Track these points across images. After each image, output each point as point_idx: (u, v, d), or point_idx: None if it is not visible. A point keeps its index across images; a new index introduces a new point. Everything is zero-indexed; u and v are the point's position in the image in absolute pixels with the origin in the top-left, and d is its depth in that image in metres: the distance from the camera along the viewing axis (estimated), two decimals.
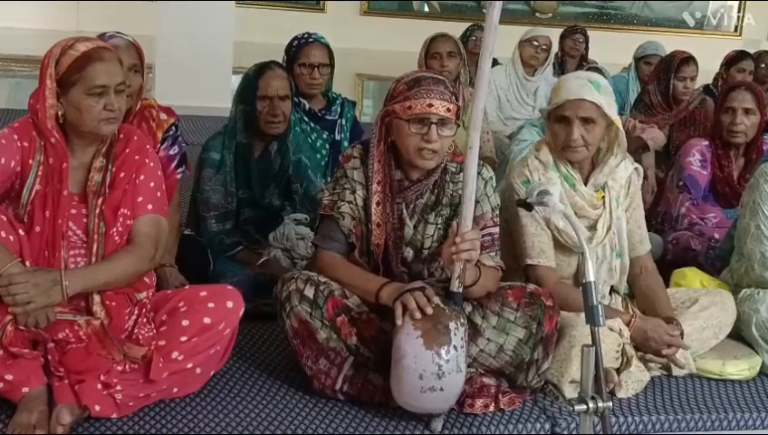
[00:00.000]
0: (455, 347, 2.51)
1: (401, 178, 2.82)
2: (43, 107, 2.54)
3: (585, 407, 2.19)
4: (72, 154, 2.59)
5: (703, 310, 3.15)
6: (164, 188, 2.75)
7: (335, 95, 4.30)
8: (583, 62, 6.47)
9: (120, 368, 2.55)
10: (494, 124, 5.28)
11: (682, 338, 3.02)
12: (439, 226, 2.84)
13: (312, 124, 4.17)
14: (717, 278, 3.53)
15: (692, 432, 2.89)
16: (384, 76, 8.55)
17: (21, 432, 2.41)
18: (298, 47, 4.15)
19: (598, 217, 3.09)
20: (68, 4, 10.32)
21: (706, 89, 5.70)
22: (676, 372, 3.09)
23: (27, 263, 2.51)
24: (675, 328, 3.01)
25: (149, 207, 2.66)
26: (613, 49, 8.48)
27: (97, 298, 2.56)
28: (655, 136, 4.92)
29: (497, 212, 2.89)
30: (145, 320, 2.64)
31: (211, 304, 2.64)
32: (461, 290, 2.62)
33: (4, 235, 2.49)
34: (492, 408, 2.76)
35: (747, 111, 4.01)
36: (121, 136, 2.68)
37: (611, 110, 2.98)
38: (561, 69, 6.47)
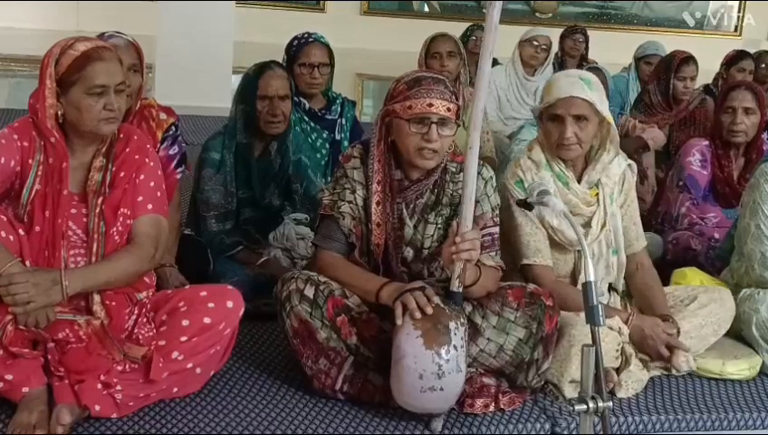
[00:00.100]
0: (455, 347, 2.51)
1: (401, 178, 2.82)
2: (43, 107, 2.54)
3: (585, 407, 2.19)
4: (72, 154, 2.59)
5: (702, 307, 3.15)
6: (164, 188, 2.75)
7: (335, 95, 4.30)
8: (583, 62, 6.46)
9: (119, 368, 2.55)
10: (494, 124, 5.28)
11: (678, 336, 3.02)
12: (439, 225, 2.84)
13: (312, 124, 4.17)
14: (717, 278, 3.53)
15: (692, 432, 2.89)
16: (384, 76, 8.55)
17: (21, 432, 2.41)
18: (298, 47, 4.15)
19: (592, 214, 3.09)
20: (68, 4, 10.32)
21: (706, 89, 5.70)
22: (675, 370, 3.09)
23: (27, 263, 2.51)
24: (671, 326, 3.01)
25: (149, 206, 2.66)
26: (613, 49, 8.48)
27: (97, 298, 2.56)
28: (655, 136, 4.92)
29: (497, 212, 2.89)
30: (145, 320, 2.64)
31: (211, 304, 2.64)
32: (461, 290, 2.62)
33: (4, 235, 2.49)
34: (492, 408, 2.76)
35: (747, 111, 4.00)
36: (121, 135, 2.68)
37: (603, 106, 2.99)
38: (561, 69, 6.45)
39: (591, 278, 2.26)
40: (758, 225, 3.28)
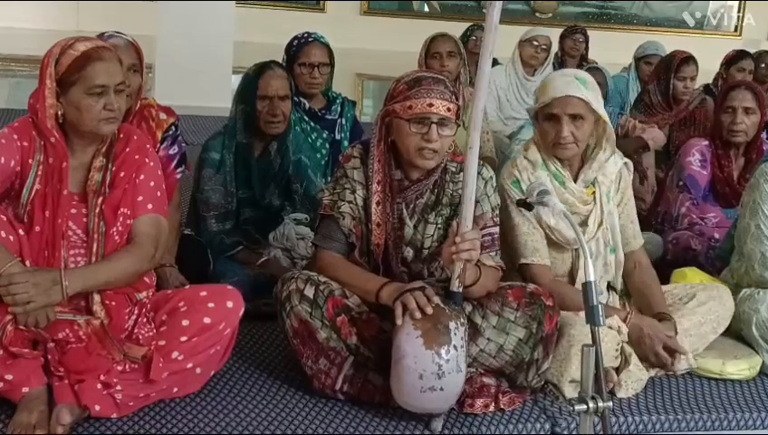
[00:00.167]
0: (455, 347, 2.51)
1: (401, 178, 2.82)
2: (43, 106, 2.54)
3: (585, 407, 2.19)
4: (72, 154, 2.59)
5: (700, 305, 3.15)
6: (164, 188, 2.75)
7: (335, 95, 4.31)
8: (583, 62, 6.46)
9: (120, 368, 2.55)
10: (494, 124, 5.28)
11: (676, 335, 3.01)
12: (439, 225, 2.84)
13: (312, 124, 4.17)
14: (717, 278, 3.53)
15: (692, 432, 2.89)
16: (384, 76, 8.55)
17: (21, 432, 2.41)
18: (298, 47, 4.15)
19: (588, 212, 3.10)
20: (68, 4, 10.32)
21: (706, 88, 5.70)
22: (677, 369, 3.08)
23: (27, 262, 2.51)
24: (670, 326, 3.01)
25: (149, 206, 2.66)
26: (613, 49, 8.48)
27: (97, 298, 2.56)
28: (655, 136, 4.92)
29: (497, 212, 2.89)
30: (145, 320, 2.64)
31: (211, 304, 2.64)
32: (461, 290, 2.62)
33: (3, 235, 2.49)
34: (492, 408, 2.76)
35: (747, 111, 4.01)
36: (121, 135, 2.68)
37: (598, 105, 3.00)
38: (561, 69, 6.47)
39: (592, 278, 2.26)
40: (758, 225, 3.28)
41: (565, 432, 2.76)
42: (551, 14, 12.24)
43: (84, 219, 2.59)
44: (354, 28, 10.85)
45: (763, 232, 3.27)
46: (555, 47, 6.23)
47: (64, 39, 2.60)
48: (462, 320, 2.58)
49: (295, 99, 3.87)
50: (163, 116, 3.35)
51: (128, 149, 2.66)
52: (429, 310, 2.54)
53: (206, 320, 2.61)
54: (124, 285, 2.61)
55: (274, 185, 3.70)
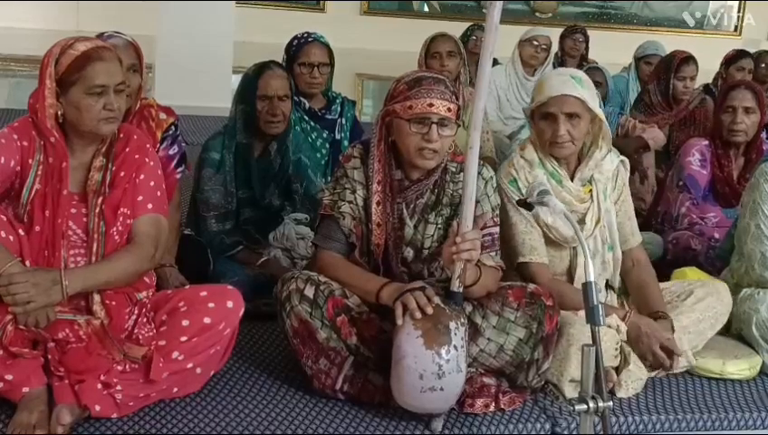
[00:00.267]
0: (455, 347, 2.51)
1: (401, 178, 2.82)
2: (43, 106, 2.54)
3: (585, 407, 2.19)
4: (72, 153, 2.59)
5: (698, 301, 3.15)
6: (164, 188, 2.75)
7: (335, 94, 4.31)
8: (583, 62, 6.46)
9: (119, 368, 2.55)
10: (494, 124, 5.28)
11: (673, 333, 3.01)
12: (439, 225, 2.84)
13: (312, 123, 4.17)
14: (717, 278, 3.53)
15: (692, 432, 2.89)
16: (384, 76, 8.55)
17: (21, 432, 2.41)
18: (298, 46, 4.15)
19: (586, 210, 3.10)
20: (68, 4, 10.32)
21: (706, 88, 5.70)
22: (676, 368, 3.08)
23: (27, 262, 2.51)
24: (667, 326, 3.00)
25: (149, 206, 2.66)
26: (613, 49, 8.48)
27: (97, 298, 2.56)
28: (655, 136, 4.92)
29: (497, 212, 2.89)
30: (145, 320, 2.64)
31: (211, 304, 2.64)
32: (461, 290, 2.62)
33: (3, 235, 2.49)
34: (492, 408, 2.76)
35: (747, 110, 4.01)
36: (121, 135, 2.67)
37: (594, 103, 3.01)
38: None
39: (592, 278, 2.26)
40: (758, 225, 3.28)
41: (565, 432, 2.76)
42: (551, 14, 12.24)
43: (84, 219, 2.59)
44: (354, 28, 10.85)
45: (763, 232, 3.27)
46: (555, 47, 6.23)
47: (64, 39, 2.60)
48: (462, 320, 2.58)
49: (295, 99, 3.87)
50: (163, 116, 3.35)
51: (128, 149, 2.66)
52: (430, 310, 2.54)
53: (206, 320, 2.61)
54: (124, 284, 2.61)
55: (274, 185, 3.70)
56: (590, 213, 3.10)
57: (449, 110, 2.69)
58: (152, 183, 2.68)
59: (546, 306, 2.76)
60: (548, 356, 2.81)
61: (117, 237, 2.60)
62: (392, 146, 2.80)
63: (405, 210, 2.83)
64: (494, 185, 2.92)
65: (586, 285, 2.27)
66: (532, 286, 2.84)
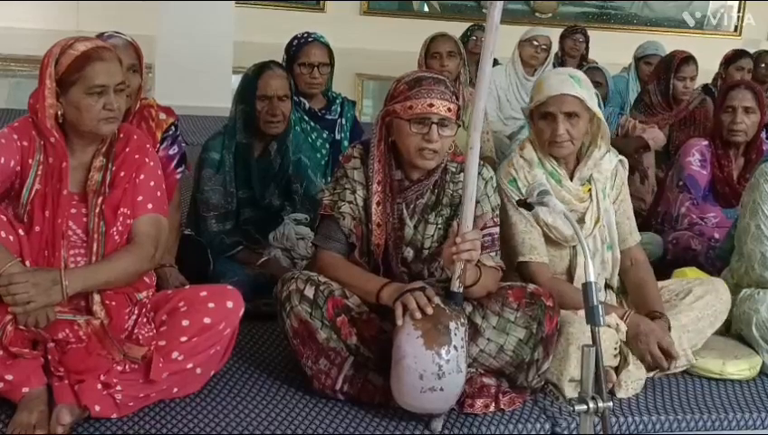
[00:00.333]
0: (455, 347, 2.51)
1: (402, 178, 2.82)
2: (43, 106, 2.54)
3: (585, 407, 2.19)
4: (72, 153, 2.59)
5: (697, 299, 3.15)
6: (164, 188, 2.75)
7: (335, 95, 4.31)
8: (583, 62, 6.46)
9: (120, 368, 2.55)
10: (494, 124, 5.28)
11: (669, 330, 3.01)
12: (439, 226, 2.84)
13: (312, 124, 4.17)
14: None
15: (692, 432, 2.89)
16: (384, 76, 8.55)
17: (21, 432, 2.41)
18: (298, 47, 4.15)
19: (585, 209, 3.10)
20: (68, 4, 10.32)
21: (705, 88, 5.70)
22: (674, 367, 3.08)
23: (27, 262, 2.51)
24: (663, 325, 3.00)
25: (149, 206, 2.66)
26: (613, 49, 8.48)
27: (97, 298, 2.56)
28: (655, 136, 4.92)
29: (497, 212, 2.89)
30: (145, 320, 2.64)
31: (211, 304, 2.64)
32: (461, 290, 2.62)
33: (3, 235, 2.49)
34: (492, 408, 2.76)
35: (747, 110, 4.01)
36: (121, 135, 2.67)
37: (593, 103, 3.01)
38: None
39: (592, 278, 2.26)
40: (758, 225, 3.28)
41: (565, 432, 2.76)
42: (551, 14, 12.25)
43: (84, 219, 2.59)
44: (354, 28, 10.85)
45: (763, 232, 3.27)
46: (555, 47, 6.23)
47: (64, 39, 2.60)
48: (462, 320, 2.58)
49: (295, 99, 3.87)
50: (163, 116, 3.35)
51: (128, 149, 2.66)
52: (430, 310, 2.54)
53: (206, 320, 2.61)
54: (124, 284, 2.61)
55: (274, 185, 3.70)
56: (590, 212, 3.11)
57: (449, 110, 2.69)
58: (152, 183, 2.68)
59: (546, 307, 2.76)
60: (548, 356, 2.81)
61: (117, 237, 2.60)
62: (392, 146, 2.80)
63: (405, 210, 2.82)
64: (494, 185, 2.92)
65: (586, 286, 2.27)
66: (532, 287, 2.84)
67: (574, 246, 3.10)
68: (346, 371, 2.73)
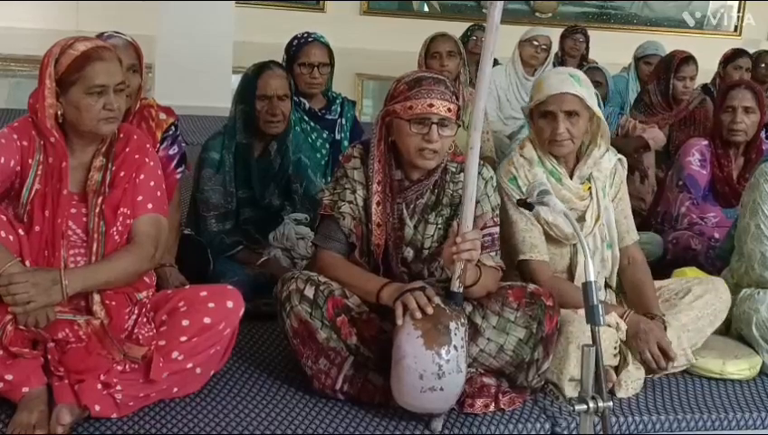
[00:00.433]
0: (455, 347, 2.51)
1: (402, 178, 2.82)
2: (43, 106, 2.54)
3: (585, 407, 2.19)
4: (72, 153, 2.59)
5: (697, 299, 3.15)
6: (164, 188, 2.75)
7: (335, 95, 4.31)
8: (583, 62, 6.46)
9: (120, 368, 2.55)
10: (494, 124, 5.28)
11: (665, 329, 3.01)
12: (439, 226, 2.84)
13: (312, 124, 4.17)
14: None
15: (692, 432, 2.89)
16: (384, 76, 8.55)
17: (21, 432, 2.40)
18: (298, 47, 4.15)
19: (585, 208, 3.11)
20: (68, 4, 10.32)
21: (704, 88, 5.70)
22: (673, 367, 3.08)
23: (27, 262, 2.51)
24: (660, 325, 3.00)
25: (149, 206, 2.66)
26: (613, 49, 8.48)
27: (97, 298, 2.56)
28: (655, 136, 4.93)
29: (497, 212, 2.90)
30: (145, 320, 2.64)
31: (211, 304, 2.64)
32: (461, 290, 2.62)
33: (3, 234, 2.49)
34: (492, 408, 2.76)
35: (747, 110, 4.01)
36: (121, 135, 2.68)
37: (593, 101, 3.02)
38: None
39: (592, 278, 2.26)
40: (758, 225, 3.28)
41: (565, 432, 2.76)
42: (551, 14, 12.25)
43: (84, 219, 2.59)
44: (354, 28, 10.85)
45: (763, 232, 3.27)
46: (555, 47, 6.23)
47: (64, 39, 2.60)
48: (462, 320, 2.58)
49: (295, 99, 3.87)
50: (163, 116, 3.35)
51: (128, 149, 2.66)
52: (430, 310, 2.54)
53: (206, 320, 2.61)
54: (124, 284, 2.61)
55: (274, 185, 3.70)
56: (590, 210, 3.11)
57: (449, 110, 2.69)
58: (152, 183, 2.68)
59: (546, 306, 2.76)
60: (548, 356, 2.81)
61: (117, 237, 2.60)
62: (392, 146, 2.80)
63: (405, 210, 2.82)
64: (494, 185, 2.92)
65: (586, 285, 2.27)
66: (532, 286, 2.84)
67: (575, 245, 3.11)
68: (346, 370, 2.73)
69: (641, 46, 6.19)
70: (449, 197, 2.85)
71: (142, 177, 2.66)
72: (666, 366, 3.00)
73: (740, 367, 3.17)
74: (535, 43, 5.71)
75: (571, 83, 2.99)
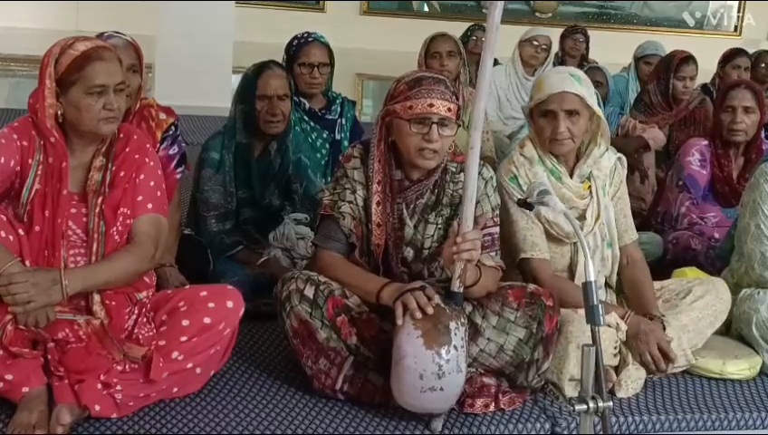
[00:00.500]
0: (455, 347, 2.51)
1: (402, 178, 2.82)
2: (43, 106, 2.54)
3: (585, 407, 2.19)
4: (72, 153, 2.59)
5: (697, 299, 3.15)
6: (164, 188, 2.75)
7: (335, 94, 4.31)
8: (584, 62, 6.47)
9: (120, 368, 2.55)
10: (494, 124, 5.28)
11: (664, 329, 3.02)
12: (439, 226, 2.84)
13: (312, 124, 4.17)
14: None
15: (692, 432, 2.89)
16: (384, 76, 8.55)
17: (21, 432, 2.40)
18: (298, 47, 4.15)
19: (586, 206, 3.11)
20: (68, 4, 10.32)
21: (704, 88, 5.70)
22: (673, 368, 3.08)
23: (27, 262, 2.51)
24: (658, 325, 3.00)
25: (149, 206, 2.66)
26: (613, 49, 8.48)
27: (97, 298, 2.56)
28: (655, 136, 4.93)
29: (497, 212, 2.90)
30: (145, 320, 2.64)
31: (211, 304, 2.64)
32: (461, 290, 2.62)
33: (3, 234, 2.49)
34: (492, 408, 2.76)
35: (747, 110, 4.01)
36: (121, 135, 2.68)
37: (593, 100, 3.03)
38: None
39: (592, 278, 2.26)
40: (758, 225, 3.28)
41: (565, 432, 2.76)
42: (551, 14, 12.25)
43: (84, 219, 2.59)
44: (354, 28, 10.85)
45: (763, 232, 3.27)
46: (555, 47, 6.23)
47: (64, 39, 2.60)
48: (462, 320, 2.58)
49: (295, 99, 3.87)
50: (163, 116, 3.35)
51: (128, 149, 2.66)
52: (430, 310, 2.54)
53: (206, 320, 2.61)
54: (124, 284, 2.61)
55: (274, 185, 3.70)
56: (590, 209, 3.11)
57: (449, 110, 2.69)
58: (152, 183, 2.68)
59: (546, 306, 2.76)
60: (548, 356, 2.81)
61: (117, 237, 2.60)
62: (392, 146, 2.80)
63: (405, 210, 2.82)
64: (494, 185, 2.92)
65: (586, 285, 2.27)
66: (532, 286, 2.84)
67: (575, 243, 3.11)
68: (346, 370, 2.73)
69: (641, 46, 6.19)
70: (449, 197, 2.85)
71: (142, 177, 2.66)
72: (666, 368, 3.00)
73: (740, 367, 3.17)
74: (535, 43, 5.71)
75: (572, 82, 2.99)
